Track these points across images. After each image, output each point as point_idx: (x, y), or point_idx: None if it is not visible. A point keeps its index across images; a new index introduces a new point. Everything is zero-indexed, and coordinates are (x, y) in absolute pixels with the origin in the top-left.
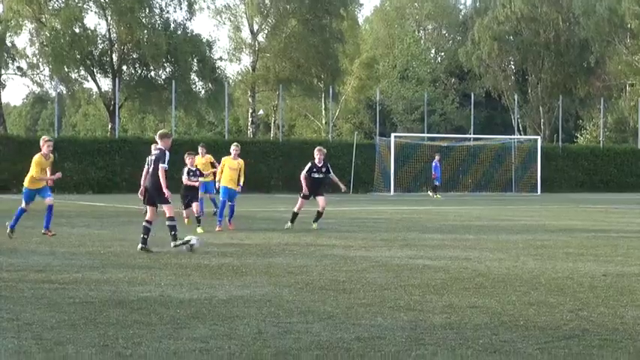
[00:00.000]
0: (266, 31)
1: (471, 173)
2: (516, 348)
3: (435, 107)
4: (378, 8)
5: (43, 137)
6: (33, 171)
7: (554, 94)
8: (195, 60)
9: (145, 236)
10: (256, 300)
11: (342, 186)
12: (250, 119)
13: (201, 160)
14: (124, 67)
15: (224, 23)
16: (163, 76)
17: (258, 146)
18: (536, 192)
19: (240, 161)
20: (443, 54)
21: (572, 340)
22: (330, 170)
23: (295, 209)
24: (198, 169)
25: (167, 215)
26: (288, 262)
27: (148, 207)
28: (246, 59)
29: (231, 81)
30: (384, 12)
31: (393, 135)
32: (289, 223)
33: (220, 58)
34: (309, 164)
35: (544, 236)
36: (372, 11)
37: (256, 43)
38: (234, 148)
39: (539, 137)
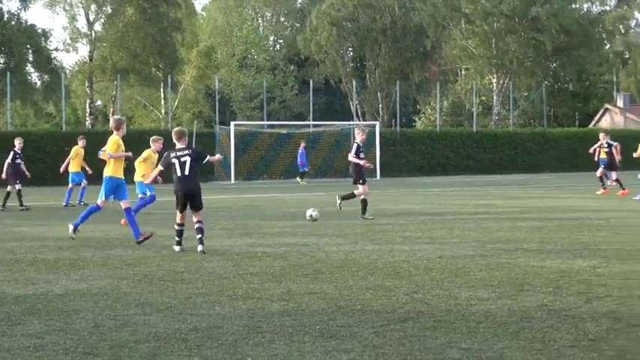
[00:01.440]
0: (102, 21)
1: (311, 160)
2: (352, 332)
3: (275, 94)
4: None
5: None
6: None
7: (391, 79)
8: (30, 51)
9: (179, 238)
10: (93, 293)
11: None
12: (88, 110)
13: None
14: None
15: (58, 13)
16: None
17: (97, 137)
18: (376, 177)
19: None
20: (282, 41)
21: (407, 323)
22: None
23: (363, 196)
24: None
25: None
26: (127, 254)
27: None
28: (83, 49)
29: (68, 71)
30: (222, 0)
31: (232, 123)
32: (367, 213)
33: (56, 49)
34: (356, 145)
35: (382, 220)
36: (210, 0)
37: (93, 33)
38: (160, 142)
39: (377, 122)
